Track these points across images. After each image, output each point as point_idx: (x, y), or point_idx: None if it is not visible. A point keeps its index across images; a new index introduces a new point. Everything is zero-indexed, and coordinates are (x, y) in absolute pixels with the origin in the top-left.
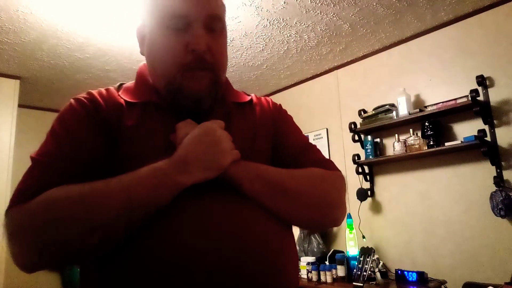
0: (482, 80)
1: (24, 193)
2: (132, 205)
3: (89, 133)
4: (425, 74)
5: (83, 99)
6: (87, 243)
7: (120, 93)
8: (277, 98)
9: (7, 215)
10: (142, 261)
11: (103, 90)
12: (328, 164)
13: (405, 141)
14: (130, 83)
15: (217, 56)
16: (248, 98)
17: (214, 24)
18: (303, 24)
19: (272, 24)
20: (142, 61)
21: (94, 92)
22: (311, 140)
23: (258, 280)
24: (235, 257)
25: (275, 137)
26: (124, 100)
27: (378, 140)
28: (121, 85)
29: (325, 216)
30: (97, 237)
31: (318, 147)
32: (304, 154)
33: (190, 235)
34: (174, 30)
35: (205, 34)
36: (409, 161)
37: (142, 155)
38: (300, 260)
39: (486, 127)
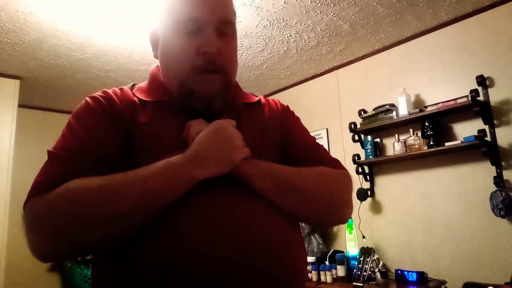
0: (482, 80)
1: (42, 185)
2: (148, 197)
3: (105, 129)
4: (425, 74)
5: (98, 96)
6: (104, 233)
7: (134, 91)
8: (277, 98)
9: (25, 206)
10: (148, 259)
11: (117, 89)
12: (335, 163)
13: (405, 141)
14: (143, 83)
15: (227, 59)
16: (256, 99)
17: (225, 28)
18: (303, 24)
19: (272, 24)
20: (141, 61)
21: (109, 90)
22: None
23: (268, 277)
24: (244, 254)
25: (283, 137)
26: (138, 98)
27: (378, 140)
28: (134, 85)
29: (333, 213)
30: (114, 228)
31: None
32: (311, 153)
33: (198, 234)
34: (187, 33)
35: (216, 37)
36: (409, 161)
37: (156, 151)
38: None
39: (486, 127)
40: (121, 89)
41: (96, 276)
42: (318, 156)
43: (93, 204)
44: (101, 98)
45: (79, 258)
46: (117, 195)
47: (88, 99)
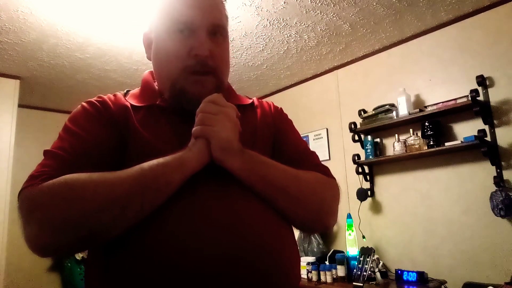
0: (482, 80)
1: (38, 177)
2: (144, 179)
3: (100, 130)
4: (425, 74)
5: (93, 101)
6: (101, 221)
7: (126, 98)
8: (277, 98)
9: (21, 195)
10: (141, 257)
11: (111, 95)
12: (326, 171)
13: (405, 141)
14: (135, 90)
15: (219, 61)
16: (250, 101)
17: (217, 32)
18: (303, 24)
19: (272, 24)
20: (141, 61)
21: (104, 96)
22: (311, 141)
23: (261, 274)
24: (237, 250)
25: (275, 139)
26: (130, 104)
27: (378, 140)
28: (127, 91)
29: (318, 221)
30: (111, 214)
31: (318, 147)
32: (303, 158)
33: (191, 232)
34: (179, 35)
35: (208, 40)
36: (409, 161)
37: (148, 153)
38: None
39: (486, 127)
40: (114, 95)
41: (89, 275)
42: (310, 161)
43: (93, 189)
44: (96, 102)
45: (80, 256)
46: (116, 179)
47: (83, 103)
